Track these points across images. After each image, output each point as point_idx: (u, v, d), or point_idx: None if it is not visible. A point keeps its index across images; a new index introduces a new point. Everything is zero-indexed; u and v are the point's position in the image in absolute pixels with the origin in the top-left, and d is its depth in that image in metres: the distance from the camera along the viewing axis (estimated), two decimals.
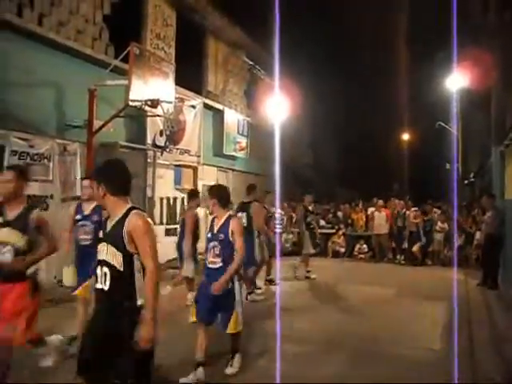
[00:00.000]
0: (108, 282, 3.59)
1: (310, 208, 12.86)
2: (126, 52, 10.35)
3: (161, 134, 13.56)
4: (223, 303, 5.48)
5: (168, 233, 13.26)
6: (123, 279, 3.56)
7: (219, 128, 17.55)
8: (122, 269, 3.55)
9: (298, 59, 18.77)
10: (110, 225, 3.70)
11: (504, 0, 13.41)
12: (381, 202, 16.81)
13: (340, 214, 18.45)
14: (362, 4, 27.10)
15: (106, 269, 3.61)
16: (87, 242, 6.27)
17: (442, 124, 25.47)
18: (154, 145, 13.24)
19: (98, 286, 3.66)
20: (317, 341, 7.16)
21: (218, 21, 16.93)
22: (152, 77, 10.78)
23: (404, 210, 16.50)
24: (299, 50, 19.57)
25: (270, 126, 17.45)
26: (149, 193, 12.38)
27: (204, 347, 5.52)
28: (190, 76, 14.82)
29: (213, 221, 5.81)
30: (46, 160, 9.94)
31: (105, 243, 3.67)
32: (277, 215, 12.47)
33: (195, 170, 15.65)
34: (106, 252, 3.63)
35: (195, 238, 9.05)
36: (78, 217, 6.39)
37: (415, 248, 15.65)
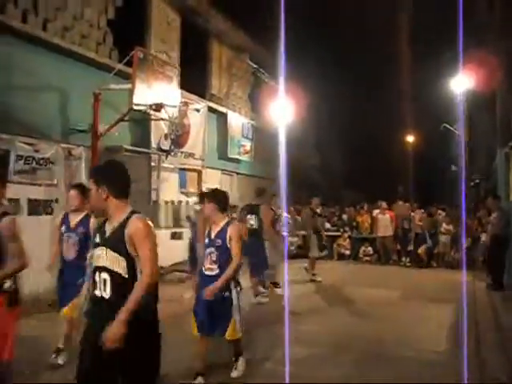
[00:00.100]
0: (109, 289, 3.40)
1: (318, 211, 12.86)
2: (130, 56, 10.38)
3: (165, 138, 13.58)
4: (221, 311, 5.33)
5: (173, 236, 13.25)
6: (126, 285, 3.36)
7: (223, 131, 17.57)
8: (126, 275, 3.37)
9: (302, 61, 18.73)
10: (109, 229, 3.51)
11: (509, 1, 13.39)
12: (384, 204, 16.78)
13: (345, 216, 18.42)
14: (368, 6, 27.04)
15: (105, 275, 3.41)
16: (72, 256, 5.93)
17: (447, 126, 25.40)
18: (159, 148, 13.26)
19: (97, 293, 3.46)
20: (324, 343, 7.14)
21: (222, 24, 16.96)
22: (156, 81, 10.80)
23: (409, 212, 16.48)
24: (303, 52, 19.53)
25: (275, 128, 17.44)
26: (153, 196, 12.40)
27: (204, 356, 5.46)
28: (194, 80, 14.84)
29: (210, 226, 5.64)
30: (51, 164, 9.98)
31: (104, 248, 3.47)
32: (284, 218, 12.47)
33: (200, 173, 15.65)
34: (105, 257, 3.43)
35: None
36: (63, 229, 6.06)
37: (421, 250, 15.61)
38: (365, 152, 32.97)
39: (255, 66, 19.71)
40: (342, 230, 17.75)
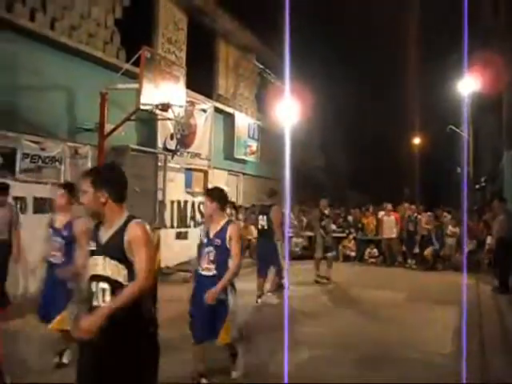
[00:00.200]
0: (108, 299, 3.22)
1: (326, 212, 12.87)
2: (137, 56, 10.40)
3: (171, 138, 13.61)
4: (216, 314, 5.11)
5: (179, 236, 13.28)
6: None
7: (230, 132, 17.59)
8: (127, 283, 3.21)
9: (309, 62, 18.75)
10: (105, 235, 3.33)
11: None
12: (389, 206, 16.75)
13: (350, 218, 18.39)
14: (375, 6, 27.03)
15: (104, 285, 3.24)
16: (57, 261, 5.62)
17: (453, 128, 25.36)
18: (165, 148, 13.28)
19: (95, 303, 3.26)
20: (328, 345, 7.12)
21: (229, 24, 16.98)
22: (163, 80, 10.81)
23: (415, 214, 16.44)
24: (310, 52, 19.55)
25: (281, 129, 17.45)
26: (159, 196, 12.41)
27: (203, 358, 5.34)
28: (200, 80, 14.85)
29: (208, 225, 5.46)
30: (57, 163, 10.01)
31: (101, 256, 3.29)
32: (287, 219, 12.49)
33: (206, 173, 15.66)
34: (102, 266, 3.26)
35: None
36: (50, 231, 5.79)
37: (427, 252, 15.55)
38: (370, 153, 32.97)
39: (261, 66, 19.74)
40: (347, 231, 17.71)
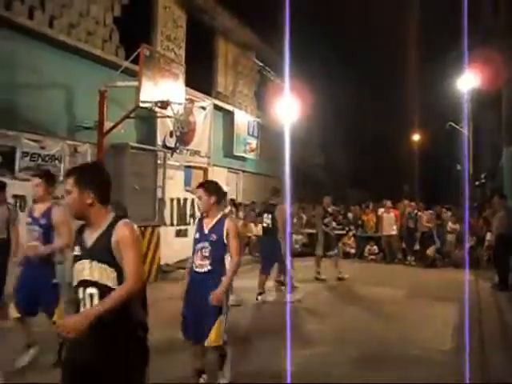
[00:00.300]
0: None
1: (330, 210, 12.89)
2: (136, 53, 10.39)
3: (171, 135, 13.61)
4: (209, 311, 4.87)
5: (178, 234, 13.27)
6: None
7: (229, 129, 17.60)
8: (116, 287, 3.05)
9: (308, 60, 18.76)
10: (91, 238, 3.16)
11: None
12: (389, 203, 16.76)
13: (350, 215, 18.40)
14: (374, 5, 27.04)
15: (92, 290, 3.08)
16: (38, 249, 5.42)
17: (453, 125, 25.35)
18: (164, 146, 13.29)
19: (82, 311, 3.11)
20: (328, 342, 7.13)
21: (228, 22, 16.97)
22: (162, 78, 10.81)
23: (415, 211, 16.45)
24: (309, 50, 19.55)
25: (281, 127, 17.46)
26: (159, 194, 12.39)
27: (200, 355, 5.20)
28: (200, 77, 14.85)
29: (201, 220, 5.23)
30: (56, 161, 10.01)
31: (87, 260, 3.12)
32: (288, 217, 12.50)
33: (205, 171, 15.67)
34: (89, 271, 3.10)
35: None
36: (29, 220, 5.57)
37: (430, 251, 15.50)
38: (370, 150, 32.99)
39: (261, 64, 19.74)
40: (347, 228, 17.72)
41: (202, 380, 5.16)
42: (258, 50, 19.61)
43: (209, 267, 5.00)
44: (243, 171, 18.75)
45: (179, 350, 5.73)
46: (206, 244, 5.04)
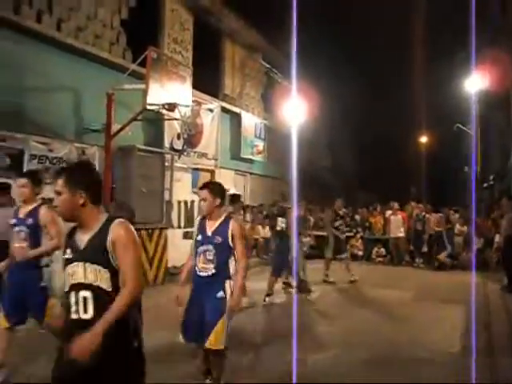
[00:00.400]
0: (91, 309, 2.94)
1: (341, 212, 12.86)
2: (143, 56, 10.40)
3: (178, 138, 13.62)
4: (211, 313, 4.72)
5: (186, 236, 13.27)
6: (111, 301, 2.91)
7: (236, 131, 17.59)
8: (110, 289, 2.93)
9: (315, 61, 18.72)
10: (83, 240, 3.03)
11: None
12: (396, 205, 16.72)
13: (358, 217, 18.37)
14: (381, 5, 26.98)
15: (85, 293, 2.94)
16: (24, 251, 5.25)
17: (460, 126, 25.28)
18: (172, 148, 13.30)
19: (74, 316, 2.98)
20: (336, 344, 7.12)
21: (235, 24, 16.98)
22: (169, 81, 10.82)
23: (423, 213, 16.40)
24: (316, 51, 19.52)
25: (288, 129, 17.45)
26: (166, 196, 12.40)
27: (204, 356, 4.99)
28: (207, 79, 14.86)
29: (203, 221, 5.04)
30: (64, 164, 10.02)
31: (80, 263, 2.98)
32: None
33: (213, 173, 15.66)
34: (84, 273, 2.96)
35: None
36: (14, 221, 5.36)
37: (441, 256, 15.36)
38: (377, 152, 32.92)
39: (268, 65, 19.73)
40: (354, 230, 17.69)
41: (208, 381, 5.08)
42: (264, 52, 19.61)
43: (213, 271, 4.81)
44: (250, 173, 18.73)
45: (187, 352, 5.71)
46: (210, 247, 4.85)
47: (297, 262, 9.92)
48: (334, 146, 28.01)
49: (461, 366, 5.95)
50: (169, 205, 12.57)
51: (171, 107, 10.75)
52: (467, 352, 6.39)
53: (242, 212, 10.48)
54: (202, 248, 4.88)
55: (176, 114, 11.52)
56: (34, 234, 5.29)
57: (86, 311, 2.93)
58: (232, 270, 4.94)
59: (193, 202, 14.05)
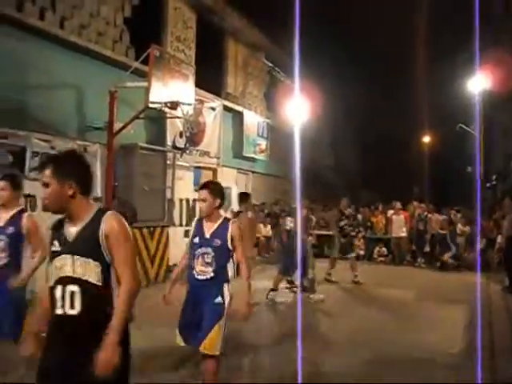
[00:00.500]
0: (78, 304, 2.81)
1: (346, 212, 12.81)
2: (146, 54, 10.39)
3: (180, 136, 13.62)
4: (208, 316, 4.54)
5: (187, 234, 13.26)
6: (100, 296, 2.83)
7: (239, 130, 17.60)
8: (99, 283, 2.81)
9: (318, 60, 18.72)
10: (72, 232, 2.90)
11: None
12: (399, 204, 16.70)
13: (360, 216, 18.35)
14: (384, 6, 26.96)
15: (73, 287, 2.81)
16: (1, 262, 4.71)
17: (463, 126, 25.24)
18: (174, 146, 13.29)
19: (59, 312, 2.84)
20: (338, 343, 7.12)
21: (237, 22, 16.97)
22: (172, 79, 10.80)
23: (425, 213, 16.38)
24: (319, 50, 19.51)
25: (290, 127, 17.43)
26: (168, 194, 12.40)
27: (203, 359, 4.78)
28: (209, 78, 14.85)
29: (200, 223, 4.89)
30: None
31: (68, 255, 2.85)
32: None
33: (215, 171, 15.66)
34: (71, 266, 2.83)
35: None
36: None
37: (446, 258, 15.33)
38: (380, 152, 32.91)
39: (271, 64, 19.72)
40: (356, 230, 17.66)
41: None
42: (267, 51, 19.61)
43: (211, 274, 4.62)
44: (253, 172, 18.73)
45: (187, 352, 5.69)
46: (209, 250, 4.67)
47: (303, 262, 9.91)
48: (336, 145, 28.01)
49: (462, 367, 5.95)
50: (170, 203, 12.57)
51: (173, 105, 10.74)
52: (469, 352, 6.39)
53: (252, 211, 10.40)
54: (199, 250, 4.71)
55: (178, 113, 11.50)
56: (15, 244, 4.76)
57: (72, 306, 2.81)
58: (230, 273, 4.80)
59: (195, 200, 14.05)
